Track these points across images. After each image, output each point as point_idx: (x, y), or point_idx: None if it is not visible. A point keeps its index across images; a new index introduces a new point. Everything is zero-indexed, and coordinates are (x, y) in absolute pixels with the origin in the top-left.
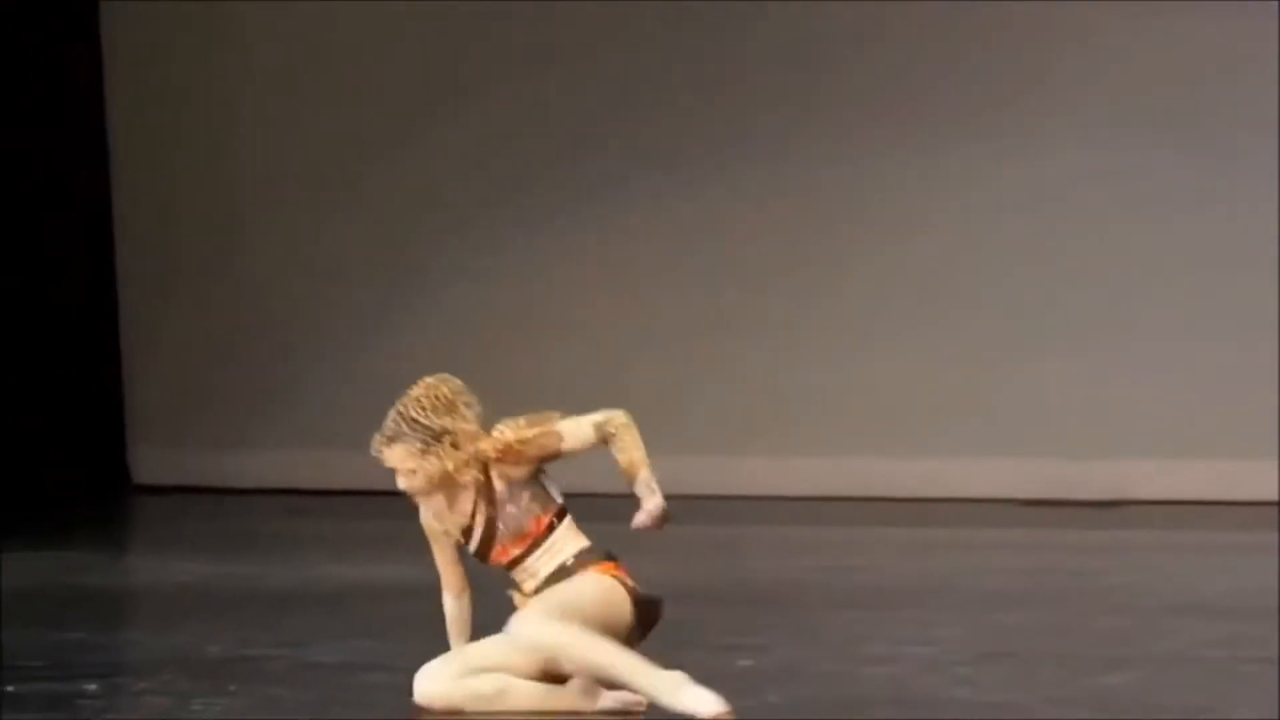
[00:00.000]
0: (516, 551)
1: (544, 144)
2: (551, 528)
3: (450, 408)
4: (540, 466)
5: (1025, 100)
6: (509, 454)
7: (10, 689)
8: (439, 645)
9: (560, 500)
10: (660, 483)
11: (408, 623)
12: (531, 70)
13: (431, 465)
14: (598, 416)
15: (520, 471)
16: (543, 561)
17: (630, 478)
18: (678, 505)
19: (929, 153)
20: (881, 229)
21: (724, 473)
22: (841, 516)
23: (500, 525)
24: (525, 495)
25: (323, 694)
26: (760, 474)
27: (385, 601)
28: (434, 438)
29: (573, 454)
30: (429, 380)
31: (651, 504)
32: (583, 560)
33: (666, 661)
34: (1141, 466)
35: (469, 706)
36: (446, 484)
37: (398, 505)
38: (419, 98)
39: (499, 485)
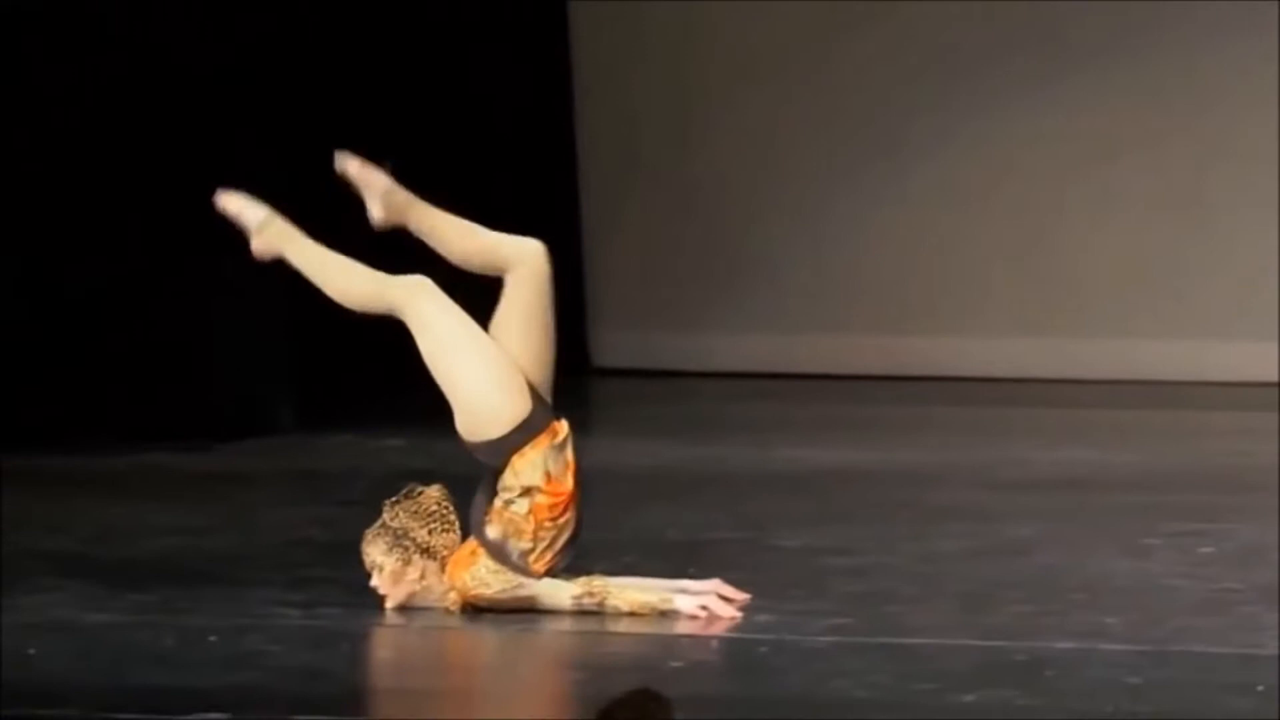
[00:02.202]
0: None
1: (1011, 19)
2: None
3: (441, 520)
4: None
5: None
6: (475, 600)
7: None
8: (900, 530)
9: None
10: (1114, 366)
11: (870, 506)
12: None
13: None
14: (575, 589)
15: None
16: None
17: (658, 611)
18: (1137, 390)
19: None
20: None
21: (1188, 359)
22: None
23: None
24: None
25: (781, 577)
26: (1221, 360)
27: (847, 485)
28: (413, 551)
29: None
30: (430, 492)
31: (703, 607)
32: None
33: (1131, 549)
34: None
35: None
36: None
37: (862, 390)
38: None
39: None
